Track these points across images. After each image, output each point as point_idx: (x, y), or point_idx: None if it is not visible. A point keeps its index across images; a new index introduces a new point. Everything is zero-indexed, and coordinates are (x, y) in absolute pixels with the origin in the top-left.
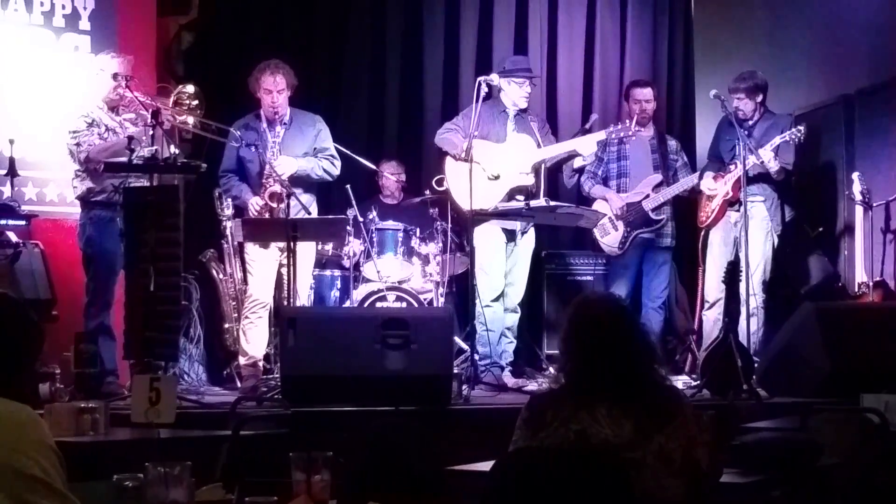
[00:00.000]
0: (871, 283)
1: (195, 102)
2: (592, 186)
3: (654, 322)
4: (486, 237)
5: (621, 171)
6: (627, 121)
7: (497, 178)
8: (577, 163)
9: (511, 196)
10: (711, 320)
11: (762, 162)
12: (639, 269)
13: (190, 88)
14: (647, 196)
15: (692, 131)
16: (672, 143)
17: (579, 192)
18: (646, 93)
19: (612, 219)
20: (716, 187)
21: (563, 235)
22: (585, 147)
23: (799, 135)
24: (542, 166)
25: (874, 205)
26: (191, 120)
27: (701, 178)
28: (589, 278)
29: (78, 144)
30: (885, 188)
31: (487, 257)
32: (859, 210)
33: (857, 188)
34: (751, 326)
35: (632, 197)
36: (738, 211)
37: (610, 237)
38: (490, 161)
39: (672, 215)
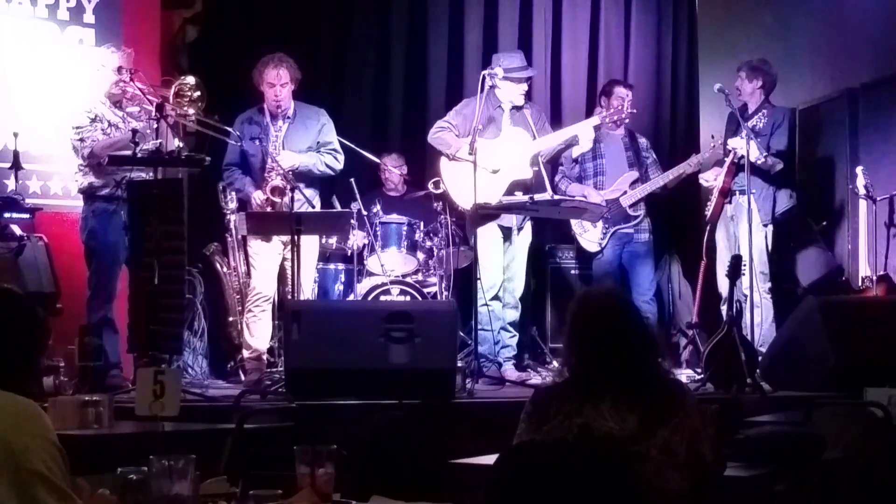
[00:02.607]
0: (874, 277)
1: (197, 94)
2: (569, 186)
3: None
4: (483, 236)
5: (597, 169)
6: (618, 105)
7: (496, 172)
8: (576, 152)
9: (510, 192)
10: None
11: (734, 150)
12: (621, 265)
13: (191, 80)
14: (625, 193)
15: (696, 125)
16: (643, 141)
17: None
18: (628, 91)
19: None
20: (712, 179)
21: (566, 229)
22: (584, 132)
23: (764, 119)
24: (539, 159)
25: (878, 199)
26: (192, 111)
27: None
28: (592, 272)
29: (81, 140)
30: (889, 182)
31: (484, 256)
32: (863, 204)
33: (860, 182)
34: (754, 318)
35: (609, 194)
36: (731, 203)
37: (589, 234)
38: (487, 157)
39: (647, 211)
